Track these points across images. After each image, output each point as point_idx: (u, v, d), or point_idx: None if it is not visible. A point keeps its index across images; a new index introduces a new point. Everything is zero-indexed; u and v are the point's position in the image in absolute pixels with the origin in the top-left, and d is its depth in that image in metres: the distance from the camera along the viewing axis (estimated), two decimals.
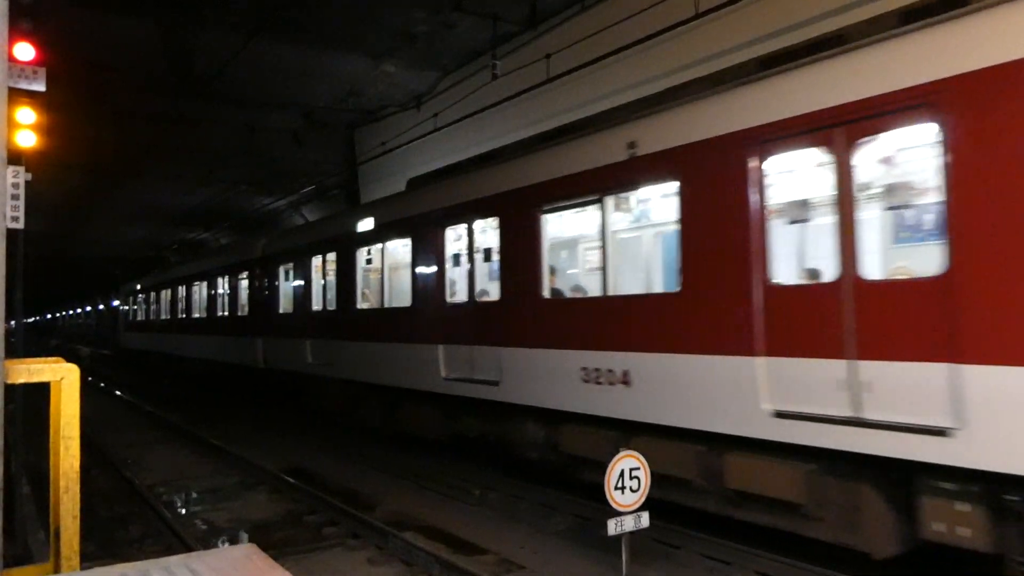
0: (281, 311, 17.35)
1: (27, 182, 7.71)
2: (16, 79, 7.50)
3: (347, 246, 13.96)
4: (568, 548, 8.06)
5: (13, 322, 7.44)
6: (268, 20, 14.58)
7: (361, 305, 13.76)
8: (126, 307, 39.77)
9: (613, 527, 6.34)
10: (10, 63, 6.85)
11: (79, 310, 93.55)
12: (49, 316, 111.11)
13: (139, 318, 35.50)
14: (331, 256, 14.83)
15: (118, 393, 26.08)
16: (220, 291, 22.30)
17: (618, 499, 6.36)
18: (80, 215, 34.05)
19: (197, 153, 23.91)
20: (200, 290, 24.77)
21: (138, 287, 35.84)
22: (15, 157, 7.88)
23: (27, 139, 8.62)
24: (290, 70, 17.88)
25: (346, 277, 14.10)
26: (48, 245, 39.46)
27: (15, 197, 7.49)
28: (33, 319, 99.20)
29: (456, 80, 17.95)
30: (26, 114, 8.62)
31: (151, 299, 32.60)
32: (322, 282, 15.44)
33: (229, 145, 22.76)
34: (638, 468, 6.48)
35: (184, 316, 26.65)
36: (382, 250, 12.95)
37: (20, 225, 7.58)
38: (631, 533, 6.48)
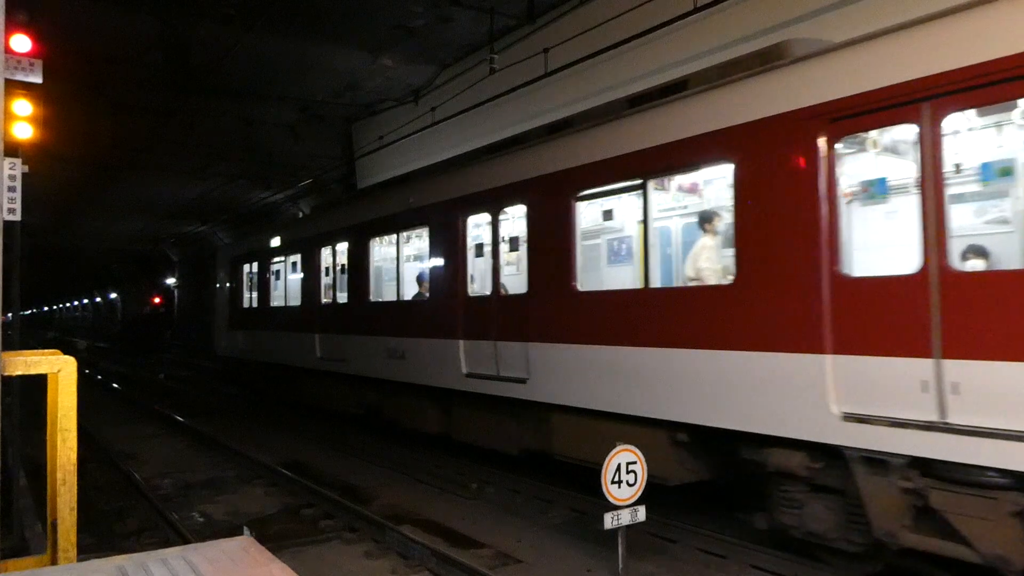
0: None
1: (24, 174, 7.70)
2: (13, 71, 7.46)
3: None
4: (565, 542, 8.09)
5: (10, 314, 7.43)
6: (265, 13, 14.52)
7: None
8: (231, 284, 21.03)
9: (610, 521, 6.36)
10: (7, 55, 6.83)
11: (76, 303, 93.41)
12: (46, 309, 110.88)
13: (276, 303, 17.81)
14: None
15: (115, 386, 26.08)
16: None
17: (615, 493, 6.38)
18: (77, 208, 33.92)
19: (194, 146, 23.79)
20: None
21: (274, 244, 17.92)
22: (12, 149, 7.86)
23: (24, 131, 8.57)
24: (287, 64, 17.81)
25: None
26: (45, 238, 39.39)
27: (12, 189, 7.46)
28: (30, 311, 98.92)
29: (454, 74, 17.90)
30: (23, 106, 8.58)
31: (319, 262, 15.41)
32: None
33: (226, 138, 22.71)
34: (635, 462, 6.51)
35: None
36: None
37: (17, 217, 7.56)
38: (627, 527, 6.51)
